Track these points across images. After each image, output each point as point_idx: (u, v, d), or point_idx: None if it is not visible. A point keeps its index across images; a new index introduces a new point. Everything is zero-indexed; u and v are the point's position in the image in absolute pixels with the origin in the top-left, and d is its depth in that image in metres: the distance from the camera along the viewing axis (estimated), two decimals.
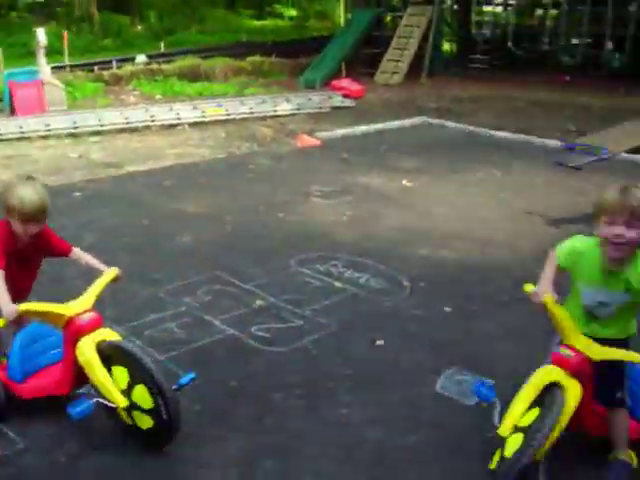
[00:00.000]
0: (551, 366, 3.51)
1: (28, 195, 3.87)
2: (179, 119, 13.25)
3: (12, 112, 13.64)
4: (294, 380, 4.52)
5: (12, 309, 3.72)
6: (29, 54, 18.71)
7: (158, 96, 16.60)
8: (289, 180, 9.41)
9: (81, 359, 3.82)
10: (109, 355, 3.84)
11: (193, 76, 18.74)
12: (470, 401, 4.25)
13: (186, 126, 13.11)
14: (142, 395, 3.75)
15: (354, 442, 3.94)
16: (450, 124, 13.27)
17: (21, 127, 12.20)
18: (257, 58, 20.78)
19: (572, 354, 3.45)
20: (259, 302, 5.63)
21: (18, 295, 3.91)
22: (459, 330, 5.23)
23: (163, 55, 21.51)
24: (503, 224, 7.63)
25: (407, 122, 13.48)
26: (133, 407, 3.78)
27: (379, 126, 13.06)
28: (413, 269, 6.33)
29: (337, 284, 6.01)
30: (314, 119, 13.94)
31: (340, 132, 12.56)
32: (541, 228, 7.53)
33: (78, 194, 8.62)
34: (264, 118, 13.90)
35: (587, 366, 3.45)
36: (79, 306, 3.92)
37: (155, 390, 3.69)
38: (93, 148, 11.47)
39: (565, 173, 10.09)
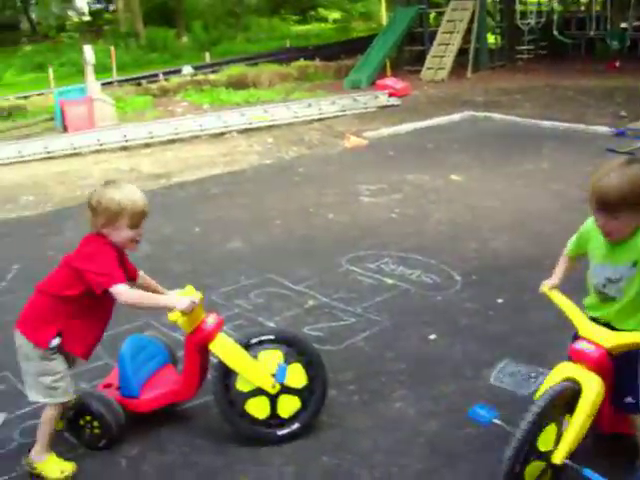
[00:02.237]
0: (567, 362, 3.28)
1: (134, 192, 3.66)
2: (227, 127, 13.40)
3: (64, 129, 13.95)
4: (348, 377, 4.55)
5: (186, 300, 3.63)
6: (78, 72, 19.14)
7: (206, 106, 16.81)
8: (338, 181, 9.45)
9: (220, 352, 3.83)
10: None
11: (240, 84, 18.94)
12: (525, 392, 4.23)
13: (234, 134, 13.24)
14: (296, 373, 3.91)
15: (409, 436, 3.95)
16: (497, 117, 13.17)
17: (73, 143, 12.47)
18: (302, 62, 20.93)
19: (591, 346, 3.19)
20: (311, 302, 5.68)
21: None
22: (512, 322, 5.20)
23: (209, 65, 21.84)
24: (555, 215, 7.54)
25: (454, 117, 13.43)
26: (282, 391, 3.88)
27: (426, 123, 13.04)
28: (464, 263, 6.31)
29: (388, 281, 6.02)
30: (361, 119, 13.97)
31: (387, 131, 12.57)
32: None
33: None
34: (311, 121, 13.98)
35: (606, 358, 3.18)
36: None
37: (312, 363, 3.96)
38: (144, 160, 11.66)
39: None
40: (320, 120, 14.09)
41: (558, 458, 3.07)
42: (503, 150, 10.65)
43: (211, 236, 7.46)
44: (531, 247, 6.66)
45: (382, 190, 8.77)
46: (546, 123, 12.26)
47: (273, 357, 3.94)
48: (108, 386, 4.14)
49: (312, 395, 3.98)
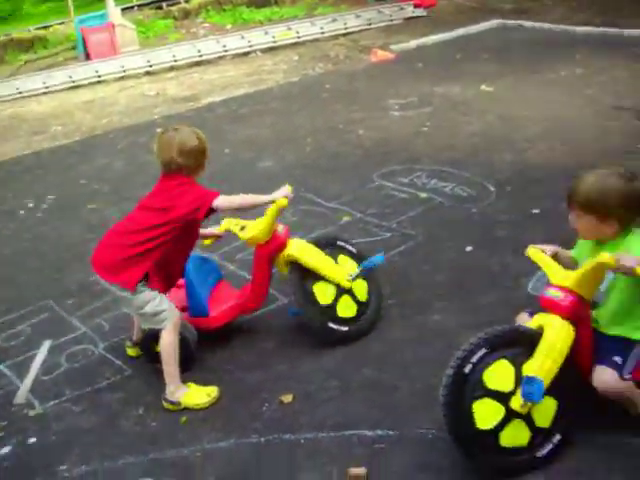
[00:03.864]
0: (541, 313, 3.14)
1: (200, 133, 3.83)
2: (251, 47, 13.21)
3: (87, 57, 13.85)
4: (386, 291, 4.54)
5: (284, 189, 3.86)
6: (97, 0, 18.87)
7: (228, 26, 16.57)
8: (366, 96, 9.32)
9: (298, 253, 4.02)
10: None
11: (261, 2, 18.58)
12: None
13: (258, 53, 13.07)
14: (360, 288, 4.16)
15: (449, 347, 3.93)
16: (527, 24, 12.80)
17: (97, 71, 12.40)
18: None
19: (559, 292, 3.05)
20: (345, 218, 5.66)
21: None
22: (548, 231, 5.13)
23: None
24: (589, 122, 7.39)
25: (482, 26, 13.08)
26: (348, 291, 4.11)
27: (454, 33, 12.74)
28: (498, 174, 6.23)
29: (422, 195, 5.98)
30: (386, 32, 13.69)
31: (414, 43, 12.32)
32: (631, 123, 7.27)
33: (159, 130, 8.72)
34: (336, 37, 13.74)
35: (578, 304, 3.01)
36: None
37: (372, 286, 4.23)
38: (169, 84, 11.57)
39: None
40: (345, 35, 13.83)
41: (517, 402, 2.93)
42: (534, 58, 10.38)
43: (242, 156, 7.43)
44: (566, 156, 6.54)
45: (411, 104, 8.63)
46: (578, 29, 11.90)
47: (349, 262, 4.22)
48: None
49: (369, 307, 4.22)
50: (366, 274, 4.23)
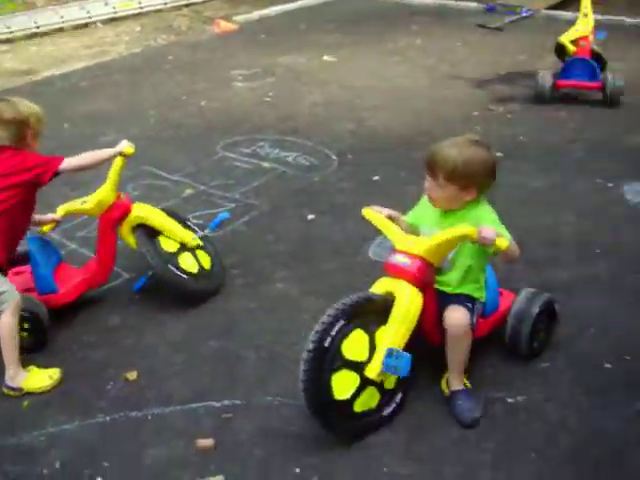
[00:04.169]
0: (385, 278, 3.16)
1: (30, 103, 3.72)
2: (90, 17, 12.77)
3: None
4: (230, 261, 4.56)
5: (125, 142, 3.90)
6: None
7: None
8: (209, 67, 9.23)
9: (145, 214, 4.11)
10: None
11: None
12: None
13: (99, 24, 12.65)
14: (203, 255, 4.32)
15: (293, 315, 4.03)
16: None
17: None
18: None
19: (406, 259, 3.06)
20: (188, 191, 5.62)
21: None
22: (387, 197, 5.22)
23: None
24: (428, 91, 7.63)
25: None
26: (191, 250, 4.26)
27: (298, 4, 12.79)
28: (340, 142, 6.36)
29: (265, 165, 6.01)
30: (230, 3, 13.54)
31: (257, 14, 12.26)
32: (465, 91, 7.56)
33: None
34: (179, 7, 13.47)
35: (425, 269, 3.05)
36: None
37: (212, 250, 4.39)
38: (4, 57, 11.01)
39: (487, 35, 10.07)
40: (188, 6, 13.57)
41: (372, 371, 2.97)
42: (376, 29, 10.60)
43: (82, 131, 7.19)
44: (405, 124, 6.74)
45: (255, 75, 8.63)
46: (416, 0, 12.22)
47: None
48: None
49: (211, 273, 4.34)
50: (209, 245, 4.39)
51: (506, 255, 3.05)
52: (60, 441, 3.24)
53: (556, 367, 3.50)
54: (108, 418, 3.36)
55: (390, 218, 3.29)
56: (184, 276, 4.09)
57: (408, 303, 3.01)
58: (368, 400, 3.07)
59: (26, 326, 3.77)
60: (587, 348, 3.64)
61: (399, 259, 3.07)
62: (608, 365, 3.50)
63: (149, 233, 4.12)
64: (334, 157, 6.05)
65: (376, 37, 10.03)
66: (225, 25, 11.48)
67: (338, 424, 3.04)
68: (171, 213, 4.35)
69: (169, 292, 4.14)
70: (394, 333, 2.99)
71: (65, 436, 3.27)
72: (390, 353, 2.93)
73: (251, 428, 3.21)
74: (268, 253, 4.67)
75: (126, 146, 3.89)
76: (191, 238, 4.25)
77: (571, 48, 7.43)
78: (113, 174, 4.00)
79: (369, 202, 5.06)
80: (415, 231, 3.31)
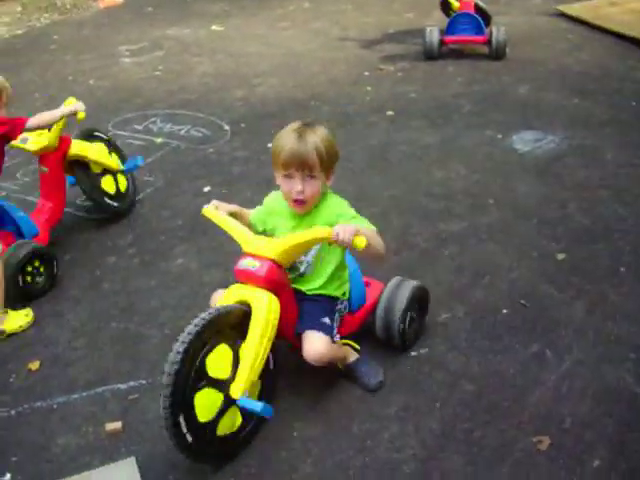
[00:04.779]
0: (237, 284, 2.90)
1: None
2: None
3: None
4: (126, 241, 4.51)
5: (79, 104, 4.37)
6: None
7: None
8: (96, 45, 9.01)
9: (80, 149, 4.48)
10: None
11: None
12: None
13: None
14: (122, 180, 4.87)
15: (193, 289, 4.01)
16: None
17: None
18: None
19: (255, 262, 2.82)
20: None
21: None
22: None
23: None
24: (318, 54, 7.62)
25: None
26: (114, 174, 4.78)
27: None
28: (232, 112, 6.31)
29: (158, 140, 5.93)
30: None
31: None
32: (356, 52, 7.58)
33: None
34: None
35: (276, 272, 2.83)
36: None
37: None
38: None
39: None
40: None
41: (236, 391, 2.71)
42: None
43: None
44: (297, 89, 6.73)
45: (143, 49, 8.48)
46: None
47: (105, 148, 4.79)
48: None
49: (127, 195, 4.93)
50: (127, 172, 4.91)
51: (368, 252, 2.78)
52: None
53: (455, 317, 3.58)
54: (13, 412, 3.28)
55: (233, 215, 3.06)
56: (115, 204, 4.70)
57: (267, 312, 2.76)
58: (231, 423, 2.80)
59: (42, 270, 4.04)
60: (483, 296, 3.73)
61: (248, 263, 2.83)
62: (505, 310, 3.59)
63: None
64: (227, 127, 6.00)
65: (264, 3, 9.96)
66: (110, 0, 11.22)
67: (197, 450, 2.69)
68: (87, 132, 4.78)
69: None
70: (256, 344, 2.74)
71: None
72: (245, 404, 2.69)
73: (158, 407, 3.18)
74: (165, 229, 4.62)
75: (81, 110, 4.33)
76: (118, 167, 4.75)
77: (455, 4, 7.54)
78: (61, 125, 4.33)
79: (265, 170, 5.14)
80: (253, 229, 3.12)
